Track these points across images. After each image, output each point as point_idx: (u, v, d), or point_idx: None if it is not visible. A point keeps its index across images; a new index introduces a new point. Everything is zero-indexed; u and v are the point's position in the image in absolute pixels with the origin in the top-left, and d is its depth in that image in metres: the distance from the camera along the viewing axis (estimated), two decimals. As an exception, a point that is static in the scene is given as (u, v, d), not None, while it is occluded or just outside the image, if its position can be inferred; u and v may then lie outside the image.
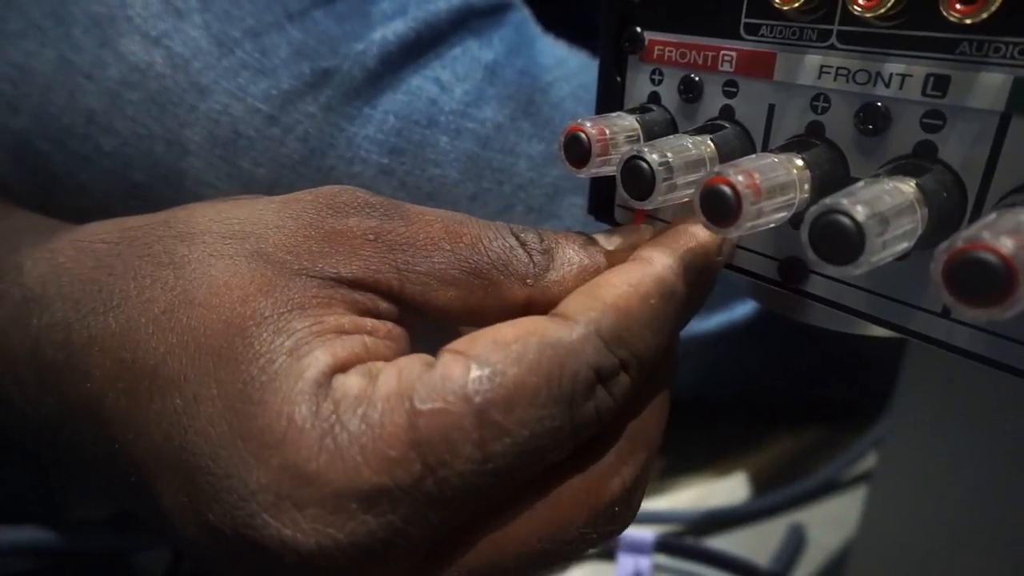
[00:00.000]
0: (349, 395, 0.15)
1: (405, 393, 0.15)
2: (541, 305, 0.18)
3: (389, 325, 0.18)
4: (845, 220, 0.14)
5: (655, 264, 0.18)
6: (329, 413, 0.15)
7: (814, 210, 0.14)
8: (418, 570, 0.16)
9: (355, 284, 0.17)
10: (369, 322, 0.17)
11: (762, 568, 0.36)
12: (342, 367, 0.16)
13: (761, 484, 0.43)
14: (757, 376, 0.44)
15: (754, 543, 0.38)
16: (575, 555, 0.17)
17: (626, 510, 0.18)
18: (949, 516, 0.30)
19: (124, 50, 0.26)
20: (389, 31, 0.29)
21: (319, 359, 0.16)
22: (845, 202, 0.14)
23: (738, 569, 0.35)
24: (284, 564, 0.15)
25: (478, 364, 0.15)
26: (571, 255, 0.19)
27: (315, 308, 0.17)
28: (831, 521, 0.40)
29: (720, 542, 0.38)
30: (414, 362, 0.16)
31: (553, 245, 0.19)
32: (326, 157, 0.28)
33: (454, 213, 0.19)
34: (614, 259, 0.19)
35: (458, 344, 0.16)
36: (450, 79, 0.30)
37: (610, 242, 0.20)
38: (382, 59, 0.29)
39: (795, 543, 0.38)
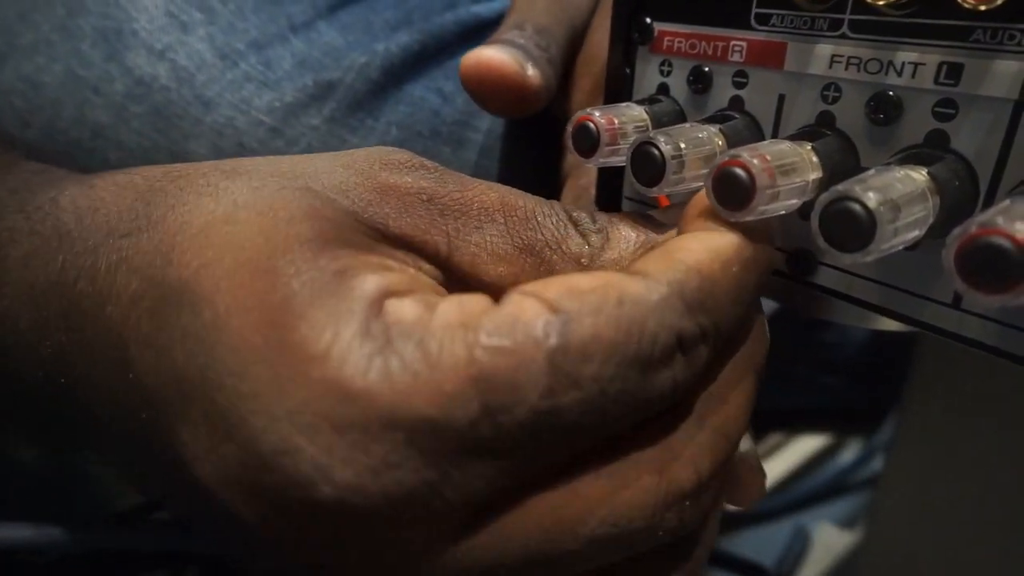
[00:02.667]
0: (404, 320, 0.14)
1: (469, 325, 0.13)
2: None
3: (434, 284, 0.17)
4: (856, 207, 0.13)
5: (730, 232, 0.16)
6: (381, 333, 0.13)
7: (825, 197, 0.14)
8: (463, 532, 0.14)
9: (402, 241, 0.16)
10: (415, 271, 0.16)
11: (768, 569, 0.36)
12: (395, 293, 0.15)
13: (767, 487, 0.42)
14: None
15: (760, 545, 0.38)
16: (640, 547, 0.16)
17: (696, 510, 0.16)
18: (957, 518, 0.30)
19: (130, 64, 0.26)
20: (393, 43, 0.29)
21: (370, 281, 0.14)
22: (857, 189, 0.14)
23: (744, 570, 0.35)
24: (313, 501, 0.13)
25: (552, 307, 0.14)
26: (627, 233, 0.18)
27: (362, 245, 0.16)
28: (835, 523, 0.40)
29: (726, 544, 0.38)
30: (477, 297, 0.14)
31: (607, 224, 0.18)
32: None
33: (510, 188, 0.18)
34: (669, 236, 0.18)
35: (529, 286, 0.15)
36: (452, 89, 0.30)
37: (666, 217, 0.19)
38: (385, 71, 0.29)
39: (800, 545, 0.38)
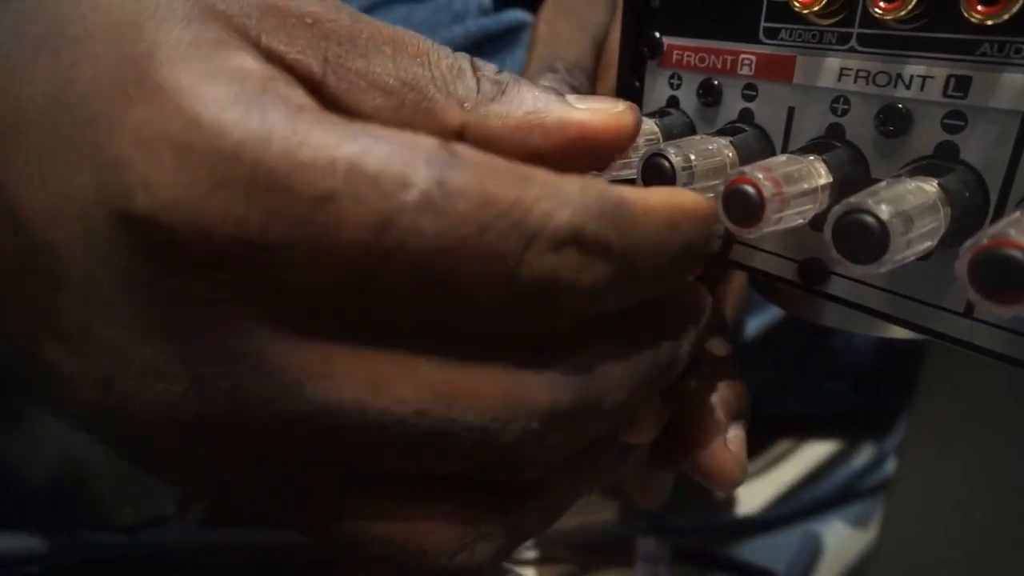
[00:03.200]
0: (284, 94, 0.13)
1: (354, 125, 0.13)
2: (475, 138, 0.16)
3: None
4: (869, 219, 0.14)
5: (695, 198, 0.16)
6: (252, 89, 0.13)
7: (837, 209, 0.14)
8: (267, 323, 0.13)
9: (270, 56, 0.15)
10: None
11: (778, 576, 0.36)
12: (275, 79, 0.14)
13: (777, 493, 0.42)
14: (767, 389, 0.43)
15: (771, 552, 0.38)
16: (468, 457, 0.15)
17: (550, 440, 0.15)
18: (968, 524, 0.30)
19: None
20: None
21: (249, 59, 0.14)
22: (869, 201, 0.14)
23: (754, 577, 0.35)
24: (131, 213, 0.12)
25: (448, 148, 0.13)
26: (526, 96, 0.17)
27: (234, 43, 0.14)
28: (846, 530, 0.40)
29: (736, 551, 0.38)
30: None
31: (511, 81, 0.17)
32: None
33: (412, 31, 0.17)
34: (574, 115, 0.17)
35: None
36: None
37: (577, 100, 0.17)
38: None
39: (811, 551, 0.38)
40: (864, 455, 0.43)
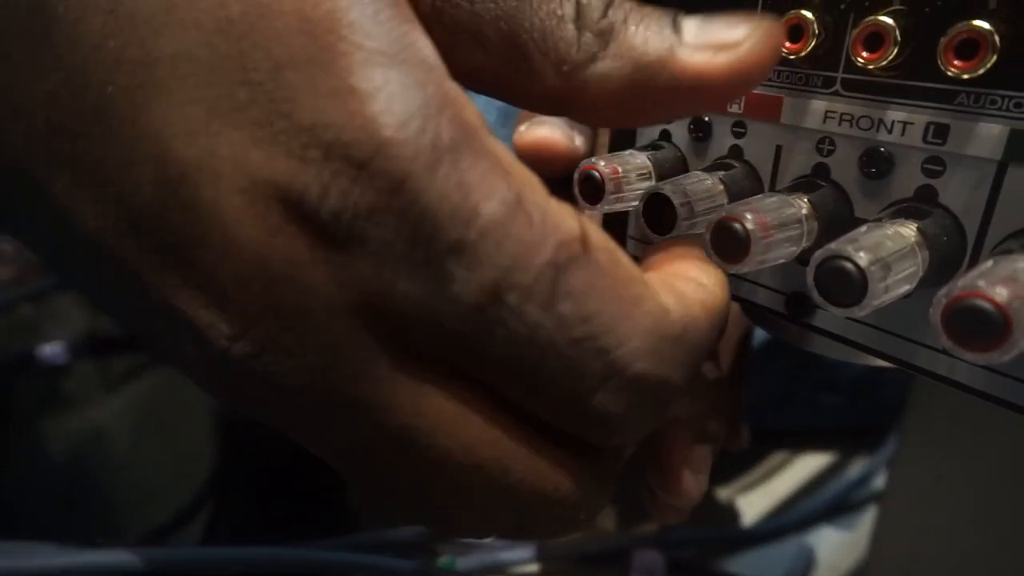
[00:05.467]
0: (466, 118, 0.13)
1: (531, 184, 0.13)
2: (575, 103, 0.16)
3: None
4: (848, 265, 0.14)
5: (722, 294, 0.17)
6: (434, 101, 0.13)
7: (819, 255, 0.15)
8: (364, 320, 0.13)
9: None
10: None
11: (772, 589, 0.36)
12: (448, 76, 0.14)
13: (772, 506, 0.43)
14: (762, 403, 0.44)
15: (766, 564, 0.39)
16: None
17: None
18: (960, 537, 0.31)
19: None
20: None
21: (430, 44, 0.13)
22: (849, 248, 0.14)
23: (748, 590, 0.36)
24: (287, 203, 0.13)
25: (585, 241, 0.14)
26: (635, 44, 0.15)
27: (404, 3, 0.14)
28: (840, 542, 0.40)
29: (731, 564, 0.39)
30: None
31: (617, 23, 0.15)
32: None
33: None
34: (688, 64, 0.15)
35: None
36: None
37: (696, 35, 0.16)
38: None
39: (805, 563, 0.38)
40: (859, 467, 0.44)
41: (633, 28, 0.15)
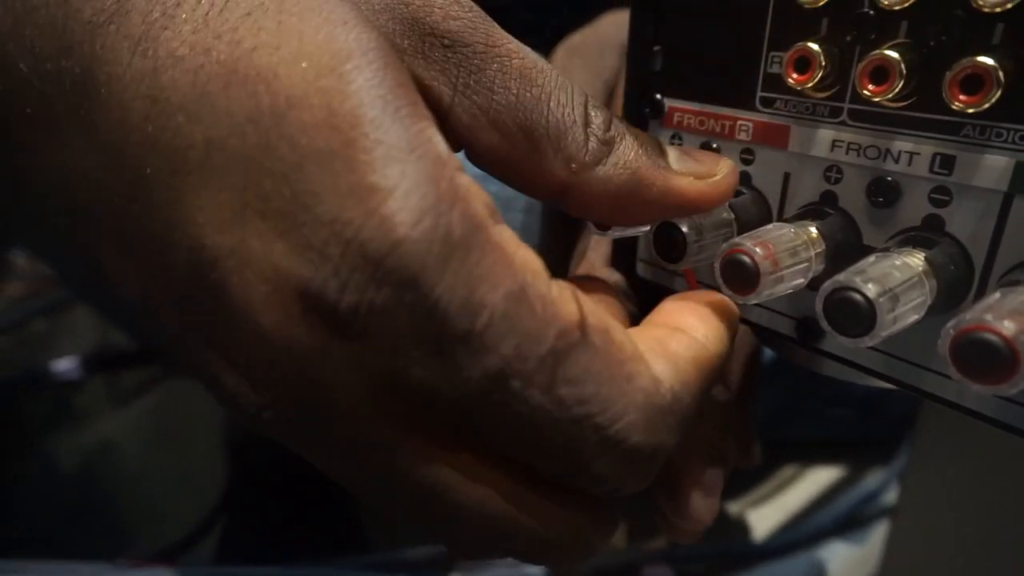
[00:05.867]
0: (475, 209, 0.14)
1: (535, 272, 0.15)
2: (575, 196, 0.18)
3: None
4: (857, 297, 0.15)
5: (716, 344, 0.18)
6: (446, 194, 0.13)
7: (827, 285, 0.15)
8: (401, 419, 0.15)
9: (414, 77, 0.16)
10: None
11: (783, 605, 0.36)
12: (456, 167, 0.14)
13: (783, 520, 0.43)
14: (773, 416, 0.44)
15: (775, 579, 0.39)
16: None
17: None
18: (972, 551, 0.31)
19: None
20: None
21: (442, 140, 0.14)
22: (857, 279, 0.15)
23: (759, 606, 0.36)
24: (307, 302, 0.13)
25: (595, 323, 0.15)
26: (630, 158, 0.18)
27: (403, 67, 0.15)
28: (851, 557, 0.40)
29: (741, 578, 0.39)
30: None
31: (617, 137, 0.18)
32: None
33: (539, 57, 0.17)
34: (675, 184, 0.18)
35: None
36: (462, 155, 0.31)
37: (678, 163, 0.19)
38: None
39: (816, 579, 0.38)
40: (870, 480, 0.44)
41: (631, 144, 0.18)
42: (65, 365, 0.63)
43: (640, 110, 0.22)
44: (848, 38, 0.17)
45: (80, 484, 0.57)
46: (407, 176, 0.13)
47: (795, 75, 0.17)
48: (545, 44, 0.34)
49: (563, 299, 0.15)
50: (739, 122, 0.20)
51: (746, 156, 0.20)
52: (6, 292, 0.71)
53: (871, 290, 0.14)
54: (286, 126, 0.13)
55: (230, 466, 0.57)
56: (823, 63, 0.17)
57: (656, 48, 0.22)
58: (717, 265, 0.17)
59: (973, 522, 0.30)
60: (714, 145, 0.21)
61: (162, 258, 0.14)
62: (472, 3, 0.17)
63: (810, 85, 0.17)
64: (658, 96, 0.22)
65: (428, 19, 0.16)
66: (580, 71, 0.31)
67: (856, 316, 0.15)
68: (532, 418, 0.14)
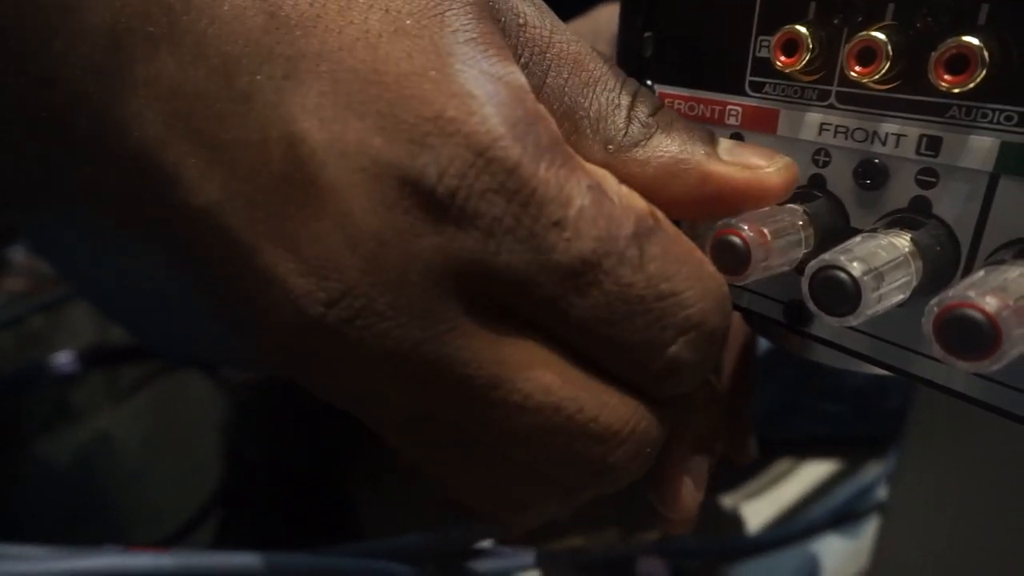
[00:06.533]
0: (551, 128, 0.16)
1: (603, 174, 0.17)
2: (616, 177, 0.18)
3: None
4: (842, 275, 0.15)
5: None
6: (532, 114, 0.16)
7: (813, 264, 0.15)
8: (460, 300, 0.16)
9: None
10: None
11: (777, 598, 0.36)
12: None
13: (777, 514, 0.43)
14: (767, 412, 0.44)
15: (771, 572, 0.39)
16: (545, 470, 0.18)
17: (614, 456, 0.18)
18: (963, 546, 0.31)
19: None
20: None
21: (520, 75, 0.16)
22: (842, 258, 0.15)
23: (753, 599, 0.36)
24: (401, 181, 0.15)
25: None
26: (670, 144, 0.18)
27: (505, 44, 0.17)
28: (845, 551, 0.40)
29: (736, 572, 0.39)
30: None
31: (662, 124, 0.18)
32: None
33: (592, 47, 0.19)
34: (716, 169, 0.18)
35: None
36: None
37: (729, 153, 0.18)
38: None
39: (809, 573, 0.38)
40: (865, 475, 0.44)
41: (678, 130, 0.18)
42: (63, 360, 0.63)
43: (631, 97, 0.22)
44: (836, 21, 0.17)
45: (78, 479, 0.57)
46: (500, 91, 0.15)
47: (783, 58, 0.17)
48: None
49: (634, 195, 0.17)
50: (728, 107, 0.20)
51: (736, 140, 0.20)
52: (4, 288, 0.71)
53: (856, 268, 0.14)
54: (393, 47, 0.15)
55: (227, 460, 0.57)
56: (811, 46, 0.17)
57: (647, 34, 0.22)
58: (708, 248, 0.17)
59: (963, 517, 0.30)
60: (704, 131, 0.21)
61: (257, 155, 0.15)
62: None
63: (798, 68, 0.17)
64: (648, 82, 0.22)
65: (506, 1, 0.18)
66: None
67: (841, 294, 0.15)
68: (623, 296, 0.16)
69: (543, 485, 0.19)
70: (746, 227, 0.16)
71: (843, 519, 0.42)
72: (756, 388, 0.43)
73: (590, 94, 0.18)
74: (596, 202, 0.16)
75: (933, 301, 0.13)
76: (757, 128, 0.19)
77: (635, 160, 0.18)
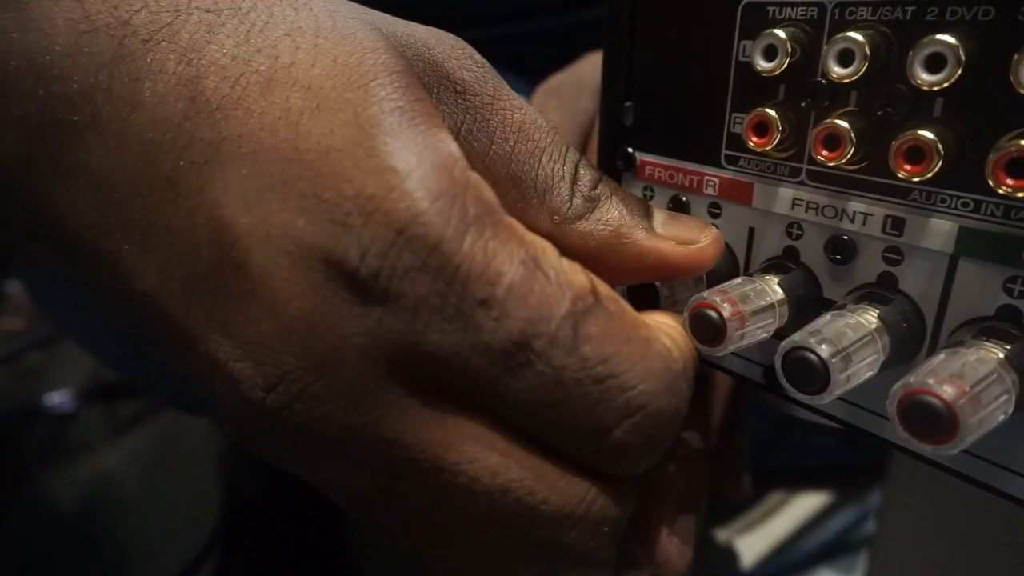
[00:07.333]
0: (486, 195, 0.15)
1: (540, 247, 0.16)
2: (559, 247, 0.18)
3: None
4: (812, 356, 0.15)
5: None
6: (459, 183, 0.15)
7: (785, 344, 0.16)
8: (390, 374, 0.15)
9: None
10: None
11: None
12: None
13: (770, 547, 0.43)
14: (757, 444, 0.45)
15: (763, 608, 0.39)
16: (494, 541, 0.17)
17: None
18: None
19: None
20: None
21: (457, 146, 0.16)
22: (812, 340, 0.15)
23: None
24: (333, 266, 0.15)
25: (595, 292, 0.16)
26: (613, 216, 0.18)
27: (425, 93, 0.16)
28: (839, 584, 0.41)
29: (729, 607, 0.39)
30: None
31: (603, 197, 0.19)
32: None
33: (538, 115, 0.19)
34: (653, 245, 0.19)
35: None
36: None
37: (663, 226, 0.19)
38: None
39: (803, 608, 0.39)
40: (855, 507, 0.44)
41: (617, 203, 0.19)
42: (60, 398, 0.63)
43: (613, 162, 0.23)
44: (803, 104, 0.18)
45: (77, 515, 0.57)
46: (423, 163, 0.15)
47: (755, 138, 0.18)
48: (528, 79, 0.35)
49: (575, 269, 0.16)
50: (706, 178, 0.21)
51: (713, 210, 0.21)
52: (2, 326, 0.71)
53: (824, 351, 0.15)
54: (315, 124, 0.15)
55: (225, 496, 0.57)
56: (780, 127, 0.18)
57: (627, 104, 0.23)
58: (686, 316, 0.18)
59: (948, 551, 0.31)
60: (683, 199, 0.22)
61: (186, 241, 0.15)
62: (484, 60, 0.19)
63: (769, 148, 0.18)
64: (630, 150, 0.23)
65: (446, 65, 0.18)
66: (556, 112, 0.32)
67: (811, 375, 0.15)
68: (556, 379, 0.15)
69: (509, 564, 0.18)
70: (725, 304, 0.17)
71: (836, 551, 0.43)
72: (747, 424, 0.43)
73: (536, 164, 0.18)
74: (527, 278, 0.15)
75: (897, 385, 0.14)
76: (733, 199, 0.20)
77: (578, 232, 0.18)
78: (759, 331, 0.18)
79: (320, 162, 0.15)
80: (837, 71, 0.16)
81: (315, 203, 0.15)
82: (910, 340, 0.17)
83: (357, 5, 0.18)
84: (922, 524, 0.32)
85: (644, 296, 0.20)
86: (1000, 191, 0.14)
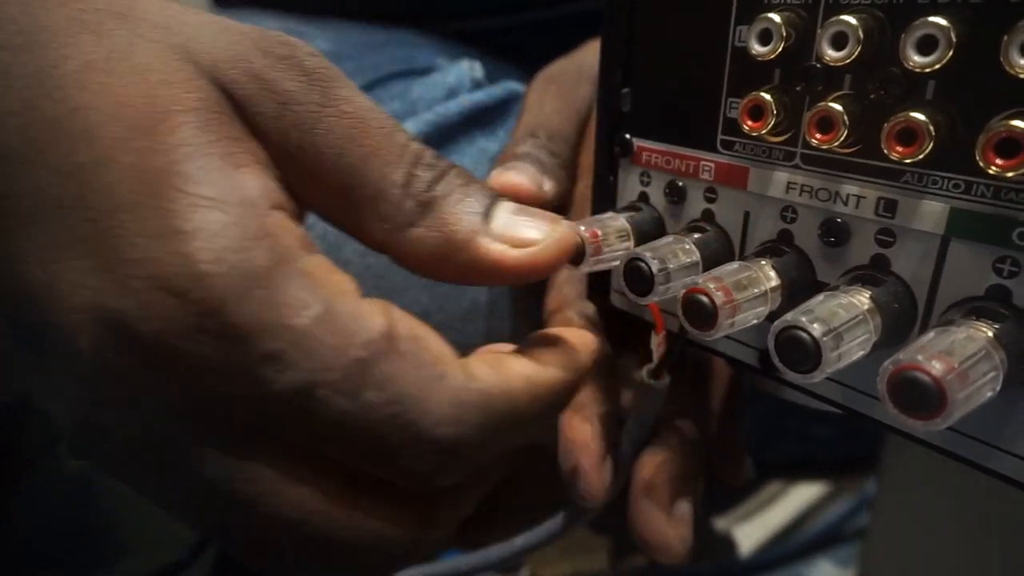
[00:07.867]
0: (286, 244, 0.15)
1: (332, 300, 0.16)
2: (395, 255, 0.18)
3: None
4: (803, 335, 0.15)
5: (554, 374, 0.18)
6: (255, 235, 0.15)
7: (777, 324, 0.16)
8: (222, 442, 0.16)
9: (252, 130, 0.17)
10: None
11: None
12: (278, 206, 0.16)
13: (767, 536, 0.44)
14: (754, 437, 0.45)
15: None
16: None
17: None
18: (945, 566, 0.31)
19: None
20: None
21: (255, 180, 0.16)
22: (803, 319, 0.16)
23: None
24: (124, 334, 0.15)
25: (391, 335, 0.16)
26: (445, 220, 0.18)
27: (233, 119, 0.16)
28: (834, 572, 0.41)
29: (725, 595, 0.40)
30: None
31: (439, 199, 0.18)
32: (342, 250, 0.30)
33: (378, 112, 0.18)
34: (485, 252, 0.18)
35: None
36: None
37: (504, 226, 0.18)
38: None
39: (799, 596, 0.39)
40: (852, 497, 0.45)
41: (451, 205, 0.18)
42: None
43: (610, 149, 0.23)
44: (798, 88, 0.18)
45: (71, 508, 0.58)
46: (211, 220, 0.15)
47: (750, 122, 0.18)
48: (527, 69, 0.35)
49: (371, 313, 0.16)
50: (702, 163, 0.21)
51: (709, 195, 0.21)
52: None
53: (816, 329, 0.15)
54: (99, 180, 0.15)
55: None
56: (775, 111, 0.18)
57: (625, 90, 0.23)
58: (679, 303, 0.18)
59: (943, 542, 0.31)
60: (680, 184, 0.22)
61: None
62: (319, 64, 0.18)
63: (764, 132, 0.18)
64: (627, 136, 0.23)
65: (267, 77, 0.17)
66: (554, 99, 0.32)
67: (803, 353, 0.16)
68: (340, 423, 0.16)
69: None
70: (717, 290, 0.17)
71: (833, 541, 0.43)
72: (746, 411, 0.43)
73: (365, 169, 0.17)
74: (314, 330, 0.15)
75: (887, 362, 0.14)
76: (729, 183, 0.20)
77: (410, 240, 0.18)
78: (751, 316, 0.18)
79: (105, 222, 0.15)
80: (831, 54, 0.16)
81: (103, 263, 0.15)
82: (902, 320, 0.17)
83: (178, 17, 0.17)
84: (916, 514, 0.32)
85: (640, 277, 0.20)
86: (991, 171, 0.14)
